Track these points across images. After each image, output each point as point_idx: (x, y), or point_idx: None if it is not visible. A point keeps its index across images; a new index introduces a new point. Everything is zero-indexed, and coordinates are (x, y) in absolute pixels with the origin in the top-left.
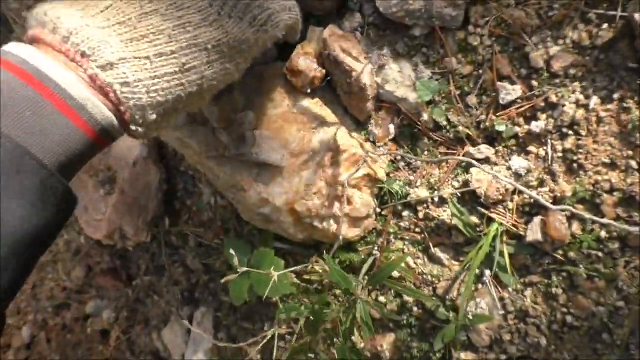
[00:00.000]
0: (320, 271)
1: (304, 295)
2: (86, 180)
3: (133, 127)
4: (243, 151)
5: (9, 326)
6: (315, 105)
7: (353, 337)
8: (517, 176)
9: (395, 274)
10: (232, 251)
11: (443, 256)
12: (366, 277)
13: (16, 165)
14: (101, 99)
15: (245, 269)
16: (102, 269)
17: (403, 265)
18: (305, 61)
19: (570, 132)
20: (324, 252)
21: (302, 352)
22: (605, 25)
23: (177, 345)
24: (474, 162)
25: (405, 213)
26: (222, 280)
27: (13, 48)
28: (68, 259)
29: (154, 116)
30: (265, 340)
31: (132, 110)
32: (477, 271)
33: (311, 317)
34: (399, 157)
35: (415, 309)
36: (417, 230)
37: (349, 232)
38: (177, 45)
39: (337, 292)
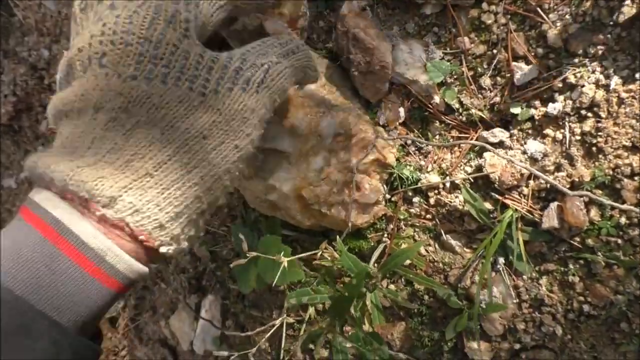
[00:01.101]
0: (329, 258)
1: (313, 282)
2: None
3: (163, 249)
4: None
5: None
6: (322, 88)
7: (363, 326)
8: (533, 160)
9: (406, 261)
10: (241, 236)
11: (455, 243)
12: (376, 265)
13: (24, 326)
14: (122, 243)
15: (254, 253)
16: None
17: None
18: (274, 25)
19: (590, 114)
20: (333, 238)
21: (317, 337)
22: (628, 1)
23: (184, 332)
24: (487, 146)
25: (416, 199)
26: (232, 265)
27: (36, 196)
28: None
29: (178, 229)
30: (273, 329)
31: (166, 242)
32: (491, 259)
33: (332, 301)
34: (409, 142)
35: (426, 297)
36: (428, 216)
37: (358, 219)
38: (172, 147)
39: (346, 280)
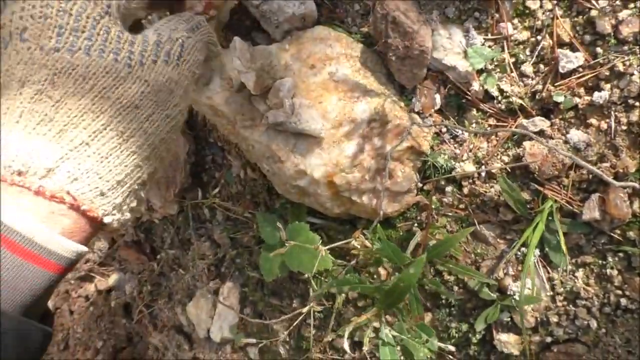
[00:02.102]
0: (359, 247)
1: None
2: None
3: (107, 220)
4: (281, 120)
5: None
6: (357, 73)
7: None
8: (575, 150)
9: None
10: (279, 224)
11: (488, 234)
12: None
13: None
14: (60, 220)
15: (292, 242)
16: (125, 241)
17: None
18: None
19: (637, 104)
20: (360, 227)
21: (361, 328)
22: None
23: (202, 320)
24: (530, 134)
25: (449, 188)
26: (272, 254)
27: None
28: None
29: (120, 198)
30: (300, 317)
31: (109, 211)
32: (525, 250)
33: (385, 290)
34: (444, 129)
35: (456, 287)
36: (461, 206)
37: (389, 207)
38: (105, 116)
39: (372, 269)
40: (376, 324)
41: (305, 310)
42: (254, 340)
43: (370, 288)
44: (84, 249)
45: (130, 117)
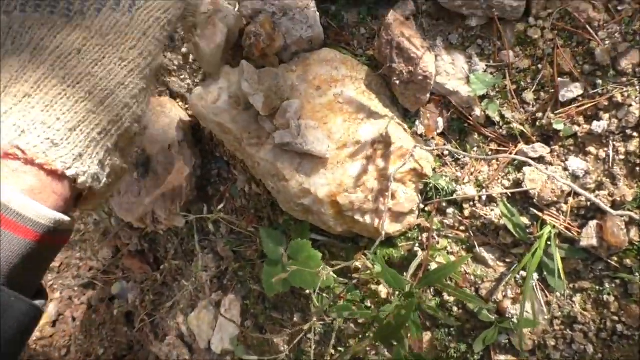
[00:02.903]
0: (361, 267)
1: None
2: None
3: (71, 173)
4: (287, 141)
5: None
6: (362, 95)
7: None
8: (574, 177)
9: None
10: (281, 250)
11: (488, 256)
12: (412, 278)
13: None
14: (23, 177)
15: (295, 267)
16: (129, 250)
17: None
18: None
19: (635, 134)
20: (362, 245)
21: (360, 352)
22: None
23: (203, 331)
24: (530, 161)
25: (450, 210)
26: (274, 279)
27: None
28: (96, 239)
29: (77, 149)
30: (302, 334)
31: (69, 163)
32: (523, 273)
33: (380, 327)
34: (446, 152)
35: (455, 308)
36: (462, 228)
37: (390, 227)
38: (45, 65)
39: (373, 287)
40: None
41: (307, 326)
42: (255, 358)
43: (369, 315)
44: (62, 216)
45: (73, 62)
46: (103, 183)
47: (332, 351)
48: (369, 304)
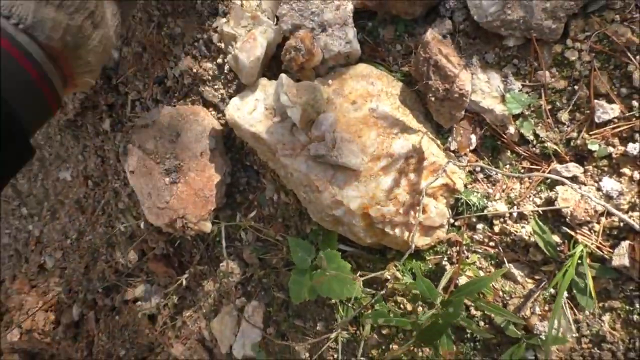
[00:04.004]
0: (390, 277)
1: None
2: (152, 167)
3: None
4: (322, 153)
5: (59, 302)
6: (396, 110)
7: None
8: (608, 198)
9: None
10: (321, 254)
11: (517, 273)
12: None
13: None
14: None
15: (334, 273)
16: (155, 254)
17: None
18: None
19: None
20: (390, 257)
21: (397, 357)
22: None
23: (225, 336)
24: (564, 179)
25: (480, 226)
26: (313, 281)
27: None
28: (122, 242)
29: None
30: (327, 343)
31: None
32: (552, 290)
33: (423, 328)
34: (477, 169)
35: (482, 323)
36: (491, 244)
37: (419, 241)
38: None
39: (399, 299)
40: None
41: (333, 335)
42: None
43: (405, 322)
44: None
45: None
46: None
47: (362, 359)
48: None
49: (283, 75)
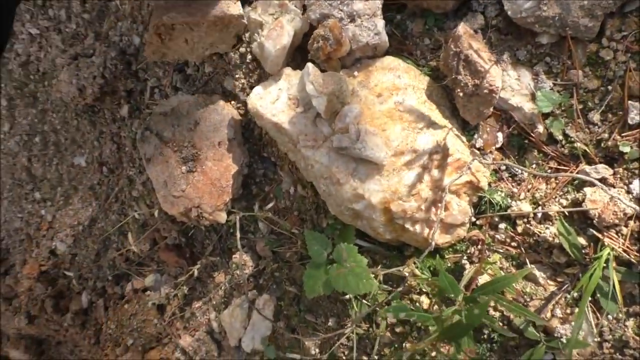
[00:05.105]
0: (407, 274)
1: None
2: (169, 155)
3: None
4: (345, 145)
5: (69, 289)
6: (422, 105)
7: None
8: (638, 200)
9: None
10: (342, 246)
11: (539, 274)
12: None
13: None
14: None
15: (353, 264)
16: (167, 244)
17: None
18: None
19: None
20: (407, 255)
21: (417, 352)
22: None
23: (235, 328)
24: (595, 181)
25: (502, 225)
26: (333, 274)
27: None
28: (134, 230)
29: None
30: (340, 339)
31: None
32: (576, 294)
33: (449, 326)
34: (502, 167)
35: (500, 324)
36: (513, 244)
37: (440, 238)
38: None
39: (414, 297)
40: (433, 354)
41: (347, 331)
42: (297, 357)
43: (428, 317)
44: None
45: None
46: None
47: (375, 356)
48: None
49: (310, 65)
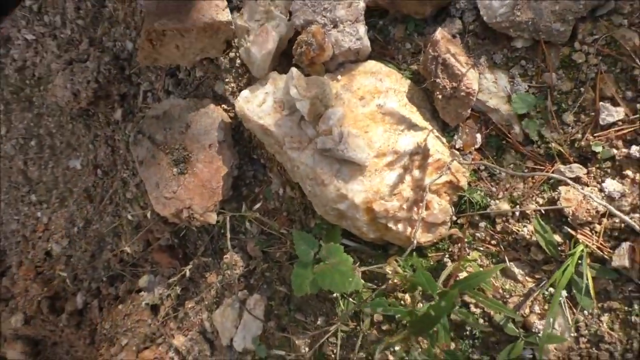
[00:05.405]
0: (390, 272)
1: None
2: (160, 157)
3: None
4: (329, 147)
5: (64, 290)
6: (404, 107)
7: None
8: (610, 199)
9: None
10: (325, 246)
11: (518, 271)
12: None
13: None
14: None
15: (334, 261)
16: (160, 245)
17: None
18: None
19: None
20: (392, 253)
21: (393, 346)
22: None
23: (226, 328)
24: (567, 180)
25: (482, 224)
26: (315, 270)
27: None
28: (128, 232)
29: None
30: (326, 336)
31: None
32: (552, 290)
33: (416, 318)
34: (482, 167)
35: (481, 320)
36: (493, 242)
37: (422, 237)
38: None
39: (399, 295)
40: (406, 347)
41: (332, 329)
42: (283, 353)
43: (403, 312)
44: None
45: None
46: None
47: (363, 352)
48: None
49: (294, 69)
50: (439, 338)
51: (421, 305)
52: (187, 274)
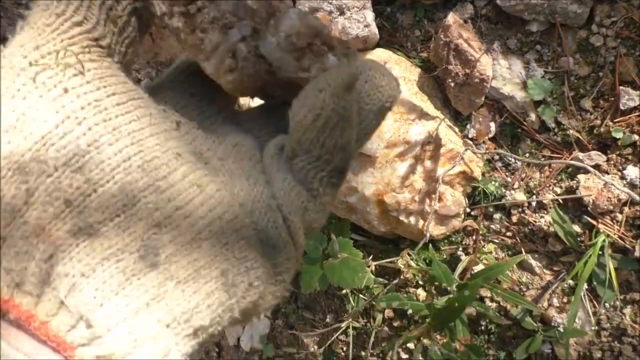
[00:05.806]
0: (403, 266)
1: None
2: None
3: None
4: None
5: None
6: (414, 96)
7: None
8: (631, 186)
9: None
10: (333, 237)
11: (535, 264)
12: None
13: None
14: None
15: (344, 254)
16: None
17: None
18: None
19: None
20: (403, 248)
21: (411, 341)
22: None
23: (233, 328)
24: (588, 167)
25: (497, 215)
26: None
27: None
28: None
29: None
30: (336, 334)
31: None
32: (571, 282)
33: (437, 311)
34: (496, 157)
35: (497, 315)
36: (508, 234)
37: (435, 230)
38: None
39: (411, 290)
40: (425, 341)
41: (344, 325)
42: (293, 350)
43: (421, 305)
44: None
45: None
46: None
47: (373, 351)
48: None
49: None
50: (458, 332)
51: (431, 297)
52: None
